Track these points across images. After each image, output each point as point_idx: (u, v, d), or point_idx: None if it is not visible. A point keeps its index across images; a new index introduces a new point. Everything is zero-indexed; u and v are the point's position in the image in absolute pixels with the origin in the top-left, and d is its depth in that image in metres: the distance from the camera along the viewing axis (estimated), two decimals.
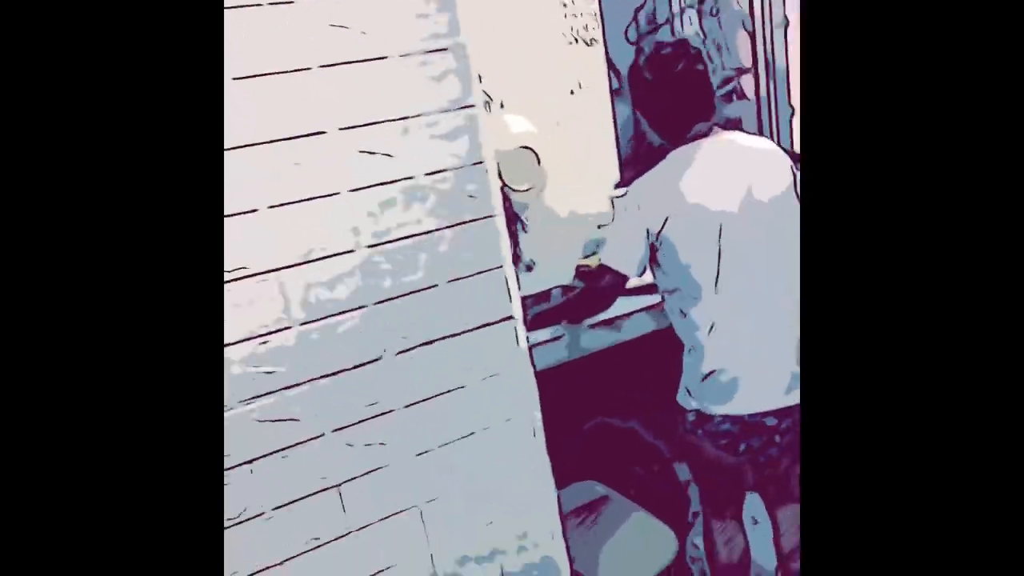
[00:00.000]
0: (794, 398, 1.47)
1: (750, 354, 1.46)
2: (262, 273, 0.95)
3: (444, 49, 1.01)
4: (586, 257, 2.06)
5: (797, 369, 1.47)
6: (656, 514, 1.64)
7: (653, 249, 1.45)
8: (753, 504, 1.75)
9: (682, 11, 2.29)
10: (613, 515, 1.66)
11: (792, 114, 2.52)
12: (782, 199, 1.45)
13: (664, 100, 1.48)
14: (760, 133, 2.56)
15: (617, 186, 2.20)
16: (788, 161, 1.51)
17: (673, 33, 2.35)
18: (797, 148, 2.56)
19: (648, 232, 1.43)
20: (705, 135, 1.47)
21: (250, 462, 0.98)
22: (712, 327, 1.45)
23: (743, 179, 1.44)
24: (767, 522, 1.75)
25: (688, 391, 1.52)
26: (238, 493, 0.97)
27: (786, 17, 2.43)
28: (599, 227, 2.11)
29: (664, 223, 1.41)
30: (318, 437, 1.02)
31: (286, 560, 1.02)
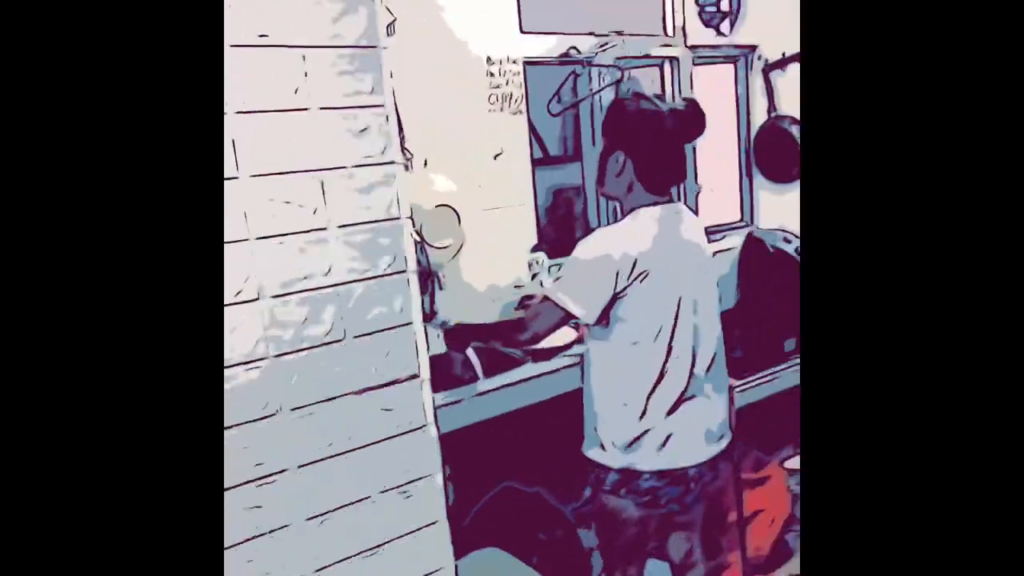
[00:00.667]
0: (720, 447, 1.57)
1: (690, 409, 1.51)
2: None
3: (366, 106, 1.02)
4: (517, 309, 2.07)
5: (723, 421, 1.59)
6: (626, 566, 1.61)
7: (613, 300, 1.45)
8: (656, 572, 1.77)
9: (601, 90, 2.43)
10: None
11: (698, 191, 2.70)
12: (711, 267, 1.61)
13: (659, 154, 1.53)
14: (740, 193, 2.74)
15: (534, 249, 2.26)
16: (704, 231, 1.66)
17: (592, 110, 2.48)
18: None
19: (617, 282, 1.43)
20: (664, 199, 1.54)
21: None
22: (657, 384, 1.48)
23: (698, 247, 1.57)
24: None
25: (613, 446, 1.51)
26: None
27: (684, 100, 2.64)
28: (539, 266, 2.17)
29: (638, 276, 1.43)
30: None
31: None
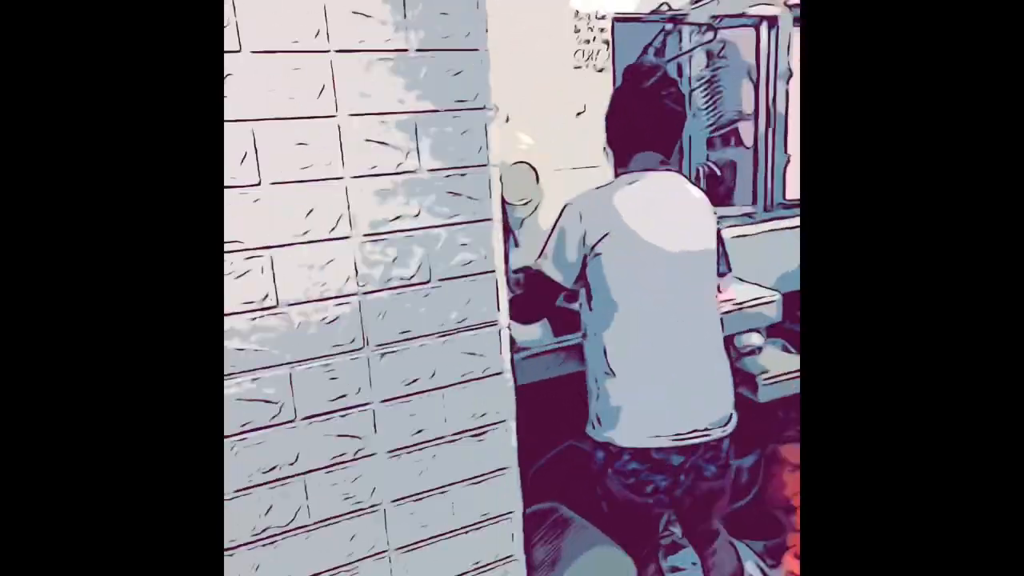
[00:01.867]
0: (712, 434, 1.48)
1: (669, 388, 1.45)
2: (256, 249, 0.94)
3: (464, 49, 1.02)
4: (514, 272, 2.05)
5: (723, 412, 1.49)
6: (619, 542, 1.62)
7: (585, 262, 1.44)
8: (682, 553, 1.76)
9: (691, 51, 2.34)
10: (575, 540, 1.64)
11: (787, 161, 2.58)
12: (707, 244, 1.51)
13: (621, 113, 1.51)
14: (755, 178, 2.61)
15: None
16: (712, 211, 1.56)
17: (680, 71, 2.39)
18: (788, 196, 2.61)
19: (584, 242, 1.43)
20: (653, 167, 1.49)
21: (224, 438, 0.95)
22: (630, 354, 1.44)
23: (678, 220, 1.48)
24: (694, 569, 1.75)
25: (597, 420, 1.49)
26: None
27: (790, 68, 2.50)
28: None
29: (601, 237, 1.41)
30: (288, 423, 1.00)
31: (242, 545, 0.99)
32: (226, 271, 0.92)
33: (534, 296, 1.57)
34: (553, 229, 1.49)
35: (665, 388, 1.45)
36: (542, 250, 1.50)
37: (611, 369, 1.45)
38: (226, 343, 0.93)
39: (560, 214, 1.48)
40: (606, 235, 1.41)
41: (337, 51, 0.95)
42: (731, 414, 1.53)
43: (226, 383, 0.94)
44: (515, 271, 1.98)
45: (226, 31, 0.87)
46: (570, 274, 1.46)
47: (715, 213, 1.57)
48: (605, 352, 1.45)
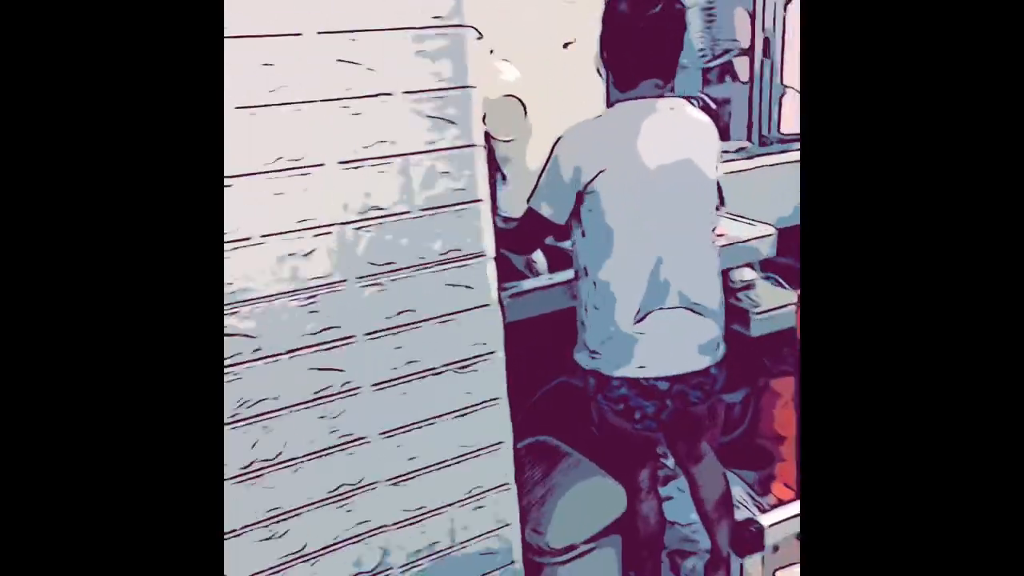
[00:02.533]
0: (700, 364, 1.49)
1: (660, 319, 1.44)
2: (231, 177, 0.90)
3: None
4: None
5: (711, 336, 1.49)
6: (611, 472, 1.65)
7: (579, 198, 1.40)
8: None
9: None
10: (567, 471, 1.66)
11: (783, 93, 2.51)
12: (709, 173, 1.48)
13: (623, 40, 1.42)
14: (750, 111, 2.55)
15: None
16: (717, 137, 1.52)
17: None
18: (785, 128, 2.55)
19: (579, 179, 1.38)
20: (656, 96, 1.43)
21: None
22: (623, 286, 1.42)
23: (681, 148, 1.43)
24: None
25: (588, 351, 1.49)
26: None
27: None
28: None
29: (597, 174, 1.37)
30: (269, 357, 0.98)
31: (231, 478, 0.99)
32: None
33: (527, 231, 1.53)
34: (545, 164, 1.44)
35: (658, 325, 1.44)
36: (534, 186, 1.46)
37: (603, 303, 1.44)
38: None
39: (552, 148, 1.43)
40: (601, 171, 1.36)
41: (318, 32, 0.89)
42: (719, 343, 1.53)
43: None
44: (504, 218, 1.95)
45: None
46: (563, 211, 1.42)
47: (719, 141, 1.52)
48: (596, 286, 1.44)
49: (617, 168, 1.37)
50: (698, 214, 1.47)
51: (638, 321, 1.43)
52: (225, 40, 0.86)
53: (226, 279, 0.92)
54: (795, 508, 1.06)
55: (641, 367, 1.44)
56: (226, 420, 0.97)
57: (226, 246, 0.91)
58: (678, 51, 1.45)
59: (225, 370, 0.95)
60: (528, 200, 1.46)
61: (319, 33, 0.91)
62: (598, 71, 1.55)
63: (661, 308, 1.43)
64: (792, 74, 2.48)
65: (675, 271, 1.44)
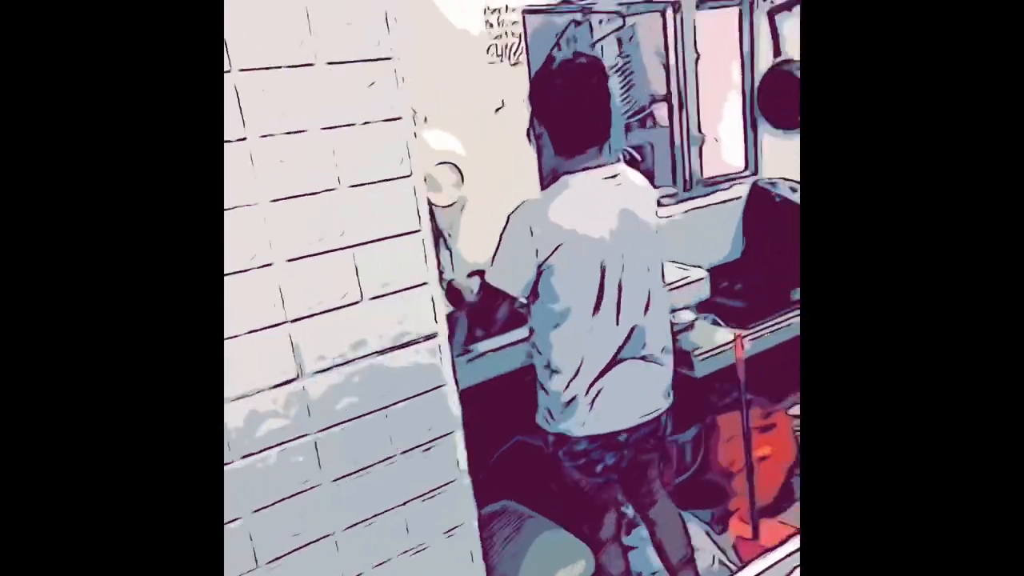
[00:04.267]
0: (656, 409, 1.56)
1: (620, 374, 1.49)
2: None
3: (374, 59, 0.99)
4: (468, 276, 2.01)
5: (663, 382, 1.57)
6: (573, 531, 1.65)
7: (539, 274, 1.44)
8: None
9: (602, 38, 2.37)
10: (530, 533, 1.66)
11: (702, 141, 2.66)
12: (654, 228, 1.56)
13: (568, 113, 1.46)
14: (672, 156, 2.69)
15: None
16: (654, 196, 1.61)
17: None
18: (705, 173, 2.70)
19: (537, 255, 1.42)
20: (596, 161, 1.49)
21: None
22: (580, 350, 1.47)
23: (628, 212, 1.50)
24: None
25: (549, 414, 1.52)
26: None
27: (697, 51, 2.57)
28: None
29: (554, 250, 1.41)
30: (235, 461, 0.95)
31: None
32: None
33: (488, 306, 1.54)
34: (500, 243, 1.47)
35: (617, 380, 1.48)
36: (492, 263, 1.48)
37: (561, 365, 1.47)
38: None
39: (507, 227, 1.46)
40: (558, 246, 1.41)
41: (241, 70, 0.90)
42: (670, 388, 1.60)
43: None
44: (457, 279, 1.95)
45: None
46: (524, 287, 1.46)
47: (655, 193, 1.61)
48: (553, 349, 1.47)
49: (572, 241, 1.42)
50: (650, 269, 1.54)
51: (599, 378, 1.47)
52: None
53: None
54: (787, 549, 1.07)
55: (603, 423, 1.48)
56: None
57: None
58: (608, 111, 1.53)
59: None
60: (486, 277, 1.48)
61: (261, 136, 0.92)
62: (529, 140, 1.60)
63: (621, 363, 1.48)
64: (706, 123, 2.65)
65: (633, 328, 1.50)
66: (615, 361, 1.48)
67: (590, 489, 1.58)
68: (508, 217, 1.47)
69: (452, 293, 1.74)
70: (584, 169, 1.47)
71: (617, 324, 1.48)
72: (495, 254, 1.49)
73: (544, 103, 1.49)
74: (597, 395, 1.47)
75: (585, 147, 1.48)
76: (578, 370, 1.46)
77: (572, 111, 1.47)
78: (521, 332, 1.85)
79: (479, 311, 1.60)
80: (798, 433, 2.44)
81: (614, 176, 1.50)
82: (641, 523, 1.84)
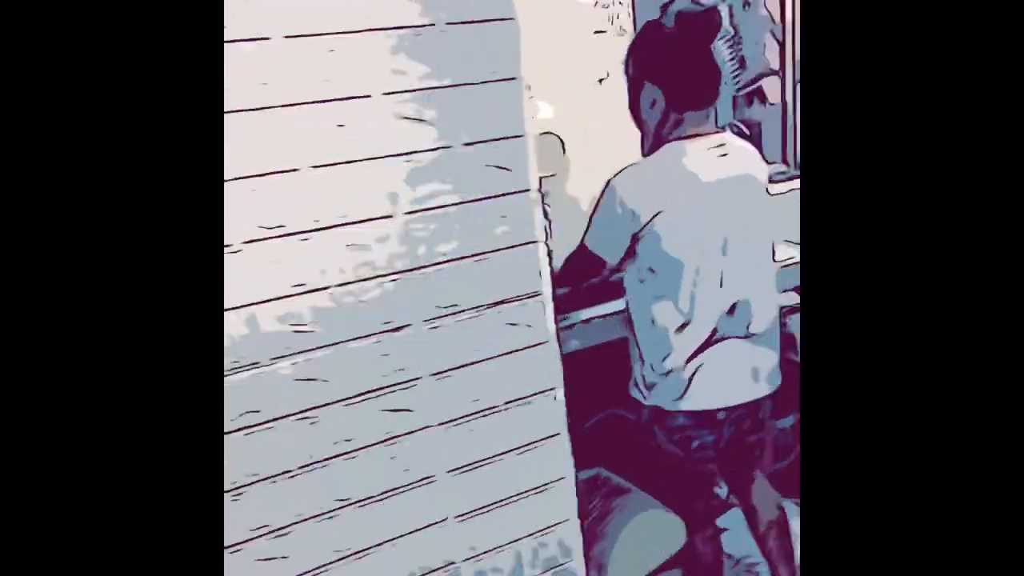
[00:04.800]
0: (757, 392, 1.49)
1: (719, 351, 1.45)
2: (301, 233, 0.95)
3: (496, 19, 1.01)
4: None
5: (768, 364, 1.50)
6: (668, 504, 1.64)
7: (634, 239, 1.42)
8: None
9: (712, 4, 2.28)
10: (623, 505, 1.66)
11: None
12: (763, 205, 1.48)
13: (681, 65, 1.42)
14: (783, 137, 2.56)
15: None
16: (765, 167, 1.52)
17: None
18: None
19: (635, 222, 1.40)
20: (703, 128, 1.44)
21: (278, 419, 0.98)
22: (683, 324, 1.43)
23: (733, 182, 1.44)
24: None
25: (645, 386, 1.50)
26: (255, 452, 0.97)
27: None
28: None
29: (653, 217, 1.38)
30: (342, 400, 1.02)
31: (292, 524, 1.03)
32: (269, 256, 0.94)
33: (578, 269, 1.54)
34: (597, 208, 1.46)
35: (718, 357, 1.45)
36: (587, 229, 1.48)
37: (658, 337, 1.45)
38: (277, 326, 0.96)
39: (603, 193, 1.45)
40: (658, 214, 1.38)
41: (367, 29, 0.95)
42: (776, 370, 1.53)
43: (275, 365, 0.96)
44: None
45: (260, 15, 0.88)
46: (617, 255, 1.44)
47: (766, 166, 1.53)
48: (650, 320, 1.45)
49: (673, 209, 1.38)
50: (757, 243, 1.47)
51: (697, 354, 1.44)
52: (290, 108, 0.92)
53: (292, 323, 0.96)
54: None
55: (700, 400, 1.45)
56: (300, 465, 1.01)
57: (293, 289, 0.96)
58: (717, 69, 1.46)
59: (303, 414, 0.99)
60: (583, 239, 1.48)
61: (383, 94, 0.97)
62: (635, 114, 1.56)
63: (721, 340, 1.44)
64: None
65: (734, 303, 1.45)
66: (716, 337, 1.44)
67: (684, 465, 1.55)
68: (608, 181, 1.45)
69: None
70: (688, 137, 1.43)
71: (718, 298, 1.44)
72: (593, 217, 1.48)
73: (653, 56, 1.45)
74: (696, 371, 1.44)
75: (700, 103, 1.43)
76: (676, 343, 1.44)
77: (676, 67, 1.42)
78: (615, 305, 1.85)
79: (567, 273, 1.58)
80: None
81: (720, 145, 1.45)
82: (738, 505, 1.80)
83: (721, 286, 1.43)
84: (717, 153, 1.45)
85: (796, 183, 2.49)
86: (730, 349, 1.45)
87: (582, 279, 1.59)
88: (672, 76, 1.43)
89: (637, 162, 1.49)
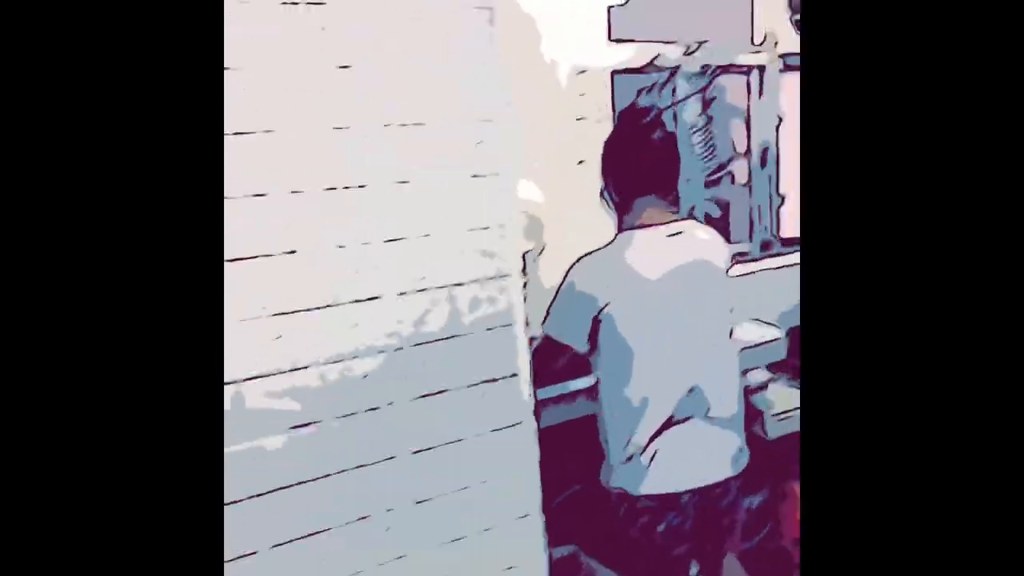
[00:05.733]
0: (721, 474, 1.51)
1: (683, 433, 1.47)
2: (294, 312, 0.98)
3: (489, 120, 1.08)
4: None
5: (731, 446, 1.53)
6: None
7: (595, 323, 1.44)
8: None
9: (687, 98, 2.43)
10: None
11: (781, 202, 2.66)
12: (720, 289, 1.54)
13: (622, 163, 1.51)
14: (750, 217, 2.69)
15: None
16: (726, 251, 1.59)
17: (675, 118, 2.48)
18: (783, 234, 2.68)
19: (593, 306, 1.43)
20: (659, 218, 1.50)
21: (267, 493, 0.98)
22: (640, 409, 1.46)
23: (687, 268, 1.49)
24: None
25: (610, 469, 1.51)
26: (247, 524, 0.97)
27: (779, 115, 2.60)
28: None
29: (609, 301, 1.42)
30: (324, 477, 1.03)
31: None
32: (259, 334, 0.96)
33: (547, 353, 1.55)
34: (556, 295, 1.49)
35: (677, 440, 1.48)
36: (547, 315, 1.51)
37: (619, 420, 1.48)
38: (261, 403, 0.97)
39: (564, 278, 1.49)
40: (614, 299, 1.42)
41: (365, 133, 1.01)
42: (742, 450, 1.56)
43: (259, 441, 0.97)
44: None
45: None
46: (581, 340, 1.47)
47: (728, 251, 1.59)
48: (618, 403, 1.48)
49: (629, 294, 1.42)
50: (714, 327, 1.52)
51: (659, 437, 1.46)
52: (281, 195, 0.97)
53: (278, 403, 0.98)
54: None
55: (660, 483, 1.47)
56: (272, 545, 1.00)
57: (284, 375, 0.98)
58: (673, 166, 1.53)
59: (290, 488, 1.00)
60: (542, 325, 1.51)
61: (394, 183, 1.03)
62: (602, 196, 1.63)
63: (683, 422, 1.47)
64: (786, 185, 2.65)
65: (696, 385, 1.48)
66: (674, 420, 1.47)
67: (653, 547, 1.55)
68: (566, 271, 1.49)
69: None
70: (645, 226, 1.48)
71: (675, 382, 1.46)
72: (551, 306, 1.50)
73: (604, 150, 1.54)
74: (655, 455, 1.47)
75: (636, 195, 1.50)
76: (636, 427, 1.47)
77: (623, 155, 1.51)
78: (585, 381, 1.88)
79: (542, 359, 1.61)
80: None
81: (678, 234, 1.50)
82: None
83: (676, 370, 1.46)
84: (674, 241, 1.50)
85: (760, 264, 2.61)
86: (690, 432, 1.47)
87: (551, 361, 1.58)
88: (624, 166, 1.52)
89: (592, 251, 1.53)
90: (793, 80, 2.62)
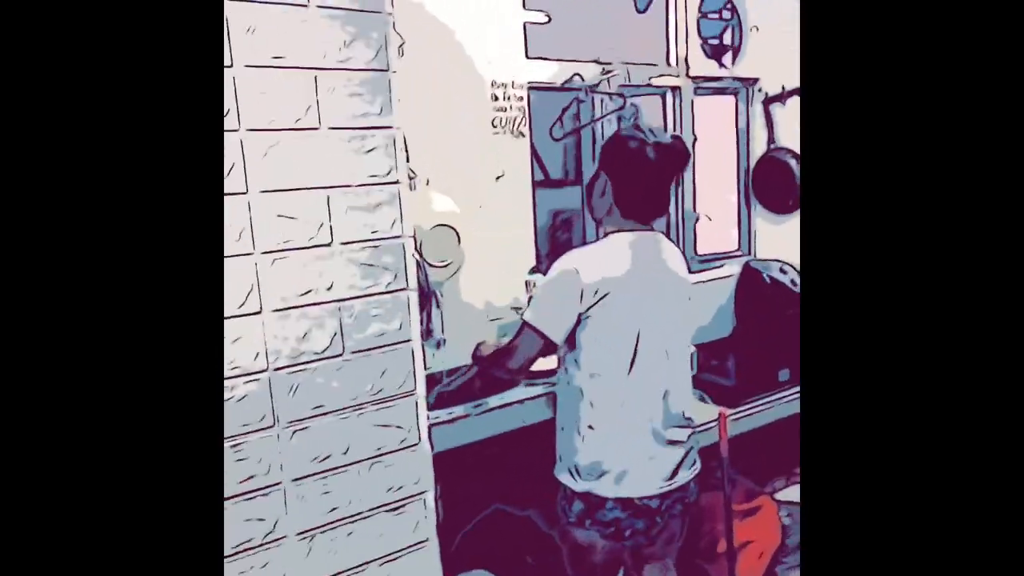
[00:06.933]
0: (686, 477, 1.55)
1: (658, 436, 1.50)
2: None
3: (375, 127, 1.05)
4: (501, 338, 2.05)
5: (693, 448, 1.58)
6: None
7: (577, 320, 1.46)
8: None
9: (604, 116, 2.47)
10: None
11: (696, 220, 2.73)
12: (688, 300, 1.61)
13: (650, 187, 1.53)
14: (668, 235, 2.75)
15: (532, 271, 2.28)
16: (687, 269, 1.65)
17: (593, 136, 2.52)
18: (699, 251, 2.76)
19: (582, 301, 1.45)
20: (644, 227, 1.55)
21: None
22: (616, 410, 1.48)
23: (668, 275, 1.55)
24: None
25: (576, 471, 1.52)
26: None
27: (695, 134, 2.68)
28: (527, 281, 2.17)
29: (601, 298, 1.44)
30: None
31: None
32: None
33: (520, 349, 1.52)
34: (544, 288, 1.51)
35: (654, 441, 1.49)
36: (533, 305, 1.51)
37: (600, 423, 1.48)
38: None
39: (552, 272, 1.50)
40: (604, 296, 1.44)
41: (248, 129, 0.95)
42: (696, 456, 1.61)
43: None
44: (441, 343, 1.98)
45: None
46: (562, 332, 1.48)
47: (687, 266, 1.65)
48: (591, 405, 1.47)
49: (616, 294, 1.45)
50: (682, 333, 1.58)
51: (636, 439, 1.47)
52: None
53: None
54: None
55: (639, 486, 1.47)
56: None
57: None
58: (669, 187, 1.58)
59: None
60: (524, 316, 1.50)
61: (261, 192, 0.97)
62: (591, 208, 1.63)
63: (660, 425, 1.50)
64: (701, 203, 2.73)
65: (669, 389, 1.53)
66: (655, 423, 1.50)
67: (600, 553, 1.55)
68: (553, 264, 1.51)
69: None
70: (630, 230, 1.53)
71: (651, 385, 1.50)
72: (537, 297, 1.52)
73: (628, 172, 1.52)
74: (634, 456, 1.48)
75: (651, 218, 1.55)
76: (616, 429, 1.47)
77: (653, 185, 1.53)
78: (512, 395, 1.86)
79: (507, 353, 1.57)
80: (784, 519, 2.39)
81: (656, 241, 1.56)
82: None
83: (653, 373, 1.50)
84: (654, 245, 1.55)
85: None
86: (668, 435, 1.50)
87: (524, 356, 1.53)
88: (639, 190, 1.52)
89: (584, 247, 1.56)
90: (707, 103, 2.72)
